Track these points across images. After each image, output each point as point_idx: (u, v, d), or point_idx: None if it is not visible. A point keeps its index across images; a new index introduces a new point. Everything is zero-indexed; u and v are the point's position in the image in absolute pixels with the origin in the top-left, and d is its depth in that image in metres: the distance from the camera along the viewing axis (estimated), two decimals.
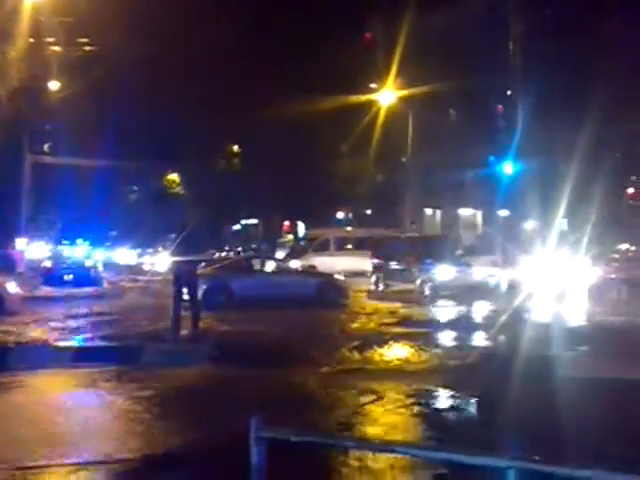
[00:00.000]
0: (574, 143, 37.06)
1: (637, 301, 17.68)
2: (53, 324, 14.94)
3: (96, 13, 28.90)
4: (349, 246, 34.73)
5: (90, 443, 6.92)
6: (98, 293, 23.68)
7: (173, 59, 34.70)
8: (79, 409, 8.71)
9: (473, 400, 8.49)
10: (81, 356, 11.32)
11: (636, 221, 38.62)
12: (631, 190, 42.02)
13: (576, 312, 17.11)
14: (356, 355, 11.57)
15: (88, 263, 29.92)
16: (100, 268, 31.59)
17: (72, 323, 15.18)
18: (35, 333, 13.56)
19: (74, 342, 12.72)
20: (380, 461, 6.03)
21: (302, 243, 35.80)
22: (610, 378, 8.99)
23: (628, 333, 13.04)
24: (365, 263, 30.37)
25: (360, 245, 33.97)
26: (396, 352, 11.94)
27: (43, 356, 11.19)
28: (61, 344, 12.35)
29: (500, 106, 37.70)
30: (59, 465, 6.21)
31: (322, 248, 33.25)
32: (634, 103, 34.35)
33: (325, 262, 30.25)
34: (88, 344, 12.60)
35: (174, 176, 51.60)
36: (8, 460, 6.20)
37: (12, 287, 17.48)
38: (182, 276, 13.16)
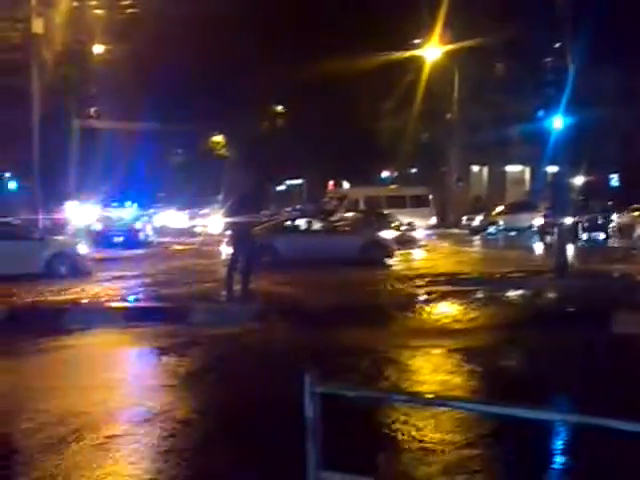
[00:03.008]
0: (625, 96, 36.17)
1: None
2: (119, 283, 15.40)
3: None
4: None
5: (142, 399, 7.11)
6: (148, 255, 24.01)
7: (216, 21, 34.52)
8: (134, 365, 8.96)
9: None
10: (133, 315, 11.63)
11: None
12: None
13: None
14: (407, 314, 11.60)
15: (137, 225, 30.31)
16: (149, 230, 31.98)
17: (131, 284, 15.54)
18: (101, 293, 14.00)
19: (127, 303, 13.00)
20: (434, 417, 6.09)
21: (333, 202, 35.67)
22: None
23: None
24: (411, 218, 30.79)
25: (393, 204, 33.84)
26: (444, 310, 11.95)
27: (99, 316, 11.56)
28: (114, 304, 12.66)
29: (547, 59, 36.79)
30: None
31: (352, 208, 32.81)
32: None
33: None
34: (141, 304, 12.88)
35: (219, 138, 51.81)
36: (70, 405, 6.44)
37: (83, 249, 18.11)
38: (237, 237, 13.34)
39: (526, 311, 11.50)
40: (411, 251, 24.21)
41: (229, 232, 14.48)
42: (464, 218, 38.34)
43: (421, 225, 32.22)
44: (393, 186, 41.13)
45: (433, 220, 36.24)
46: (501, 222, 35.45)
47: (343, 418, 4.74)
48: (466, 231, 35.91)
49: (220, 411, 6.78)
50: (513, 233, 33.73)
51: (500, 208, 37.22)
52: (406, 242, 24.92)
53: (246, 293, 12.82)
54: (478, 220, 36.15)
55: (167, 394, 7.32)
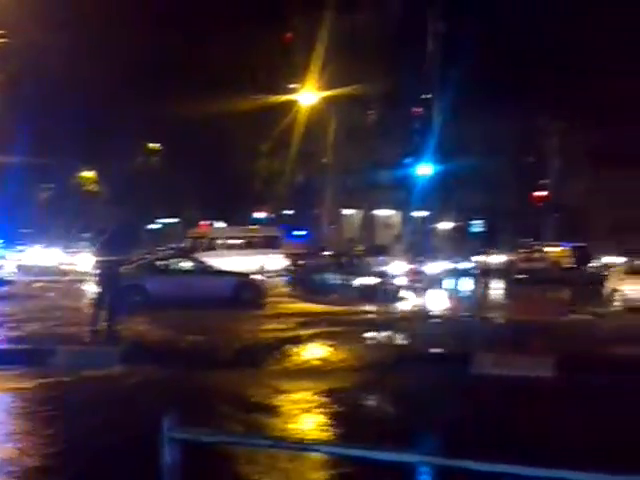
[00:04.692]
0: (489, 146, 38.10)
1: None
2: None
3: (10, 6, 28.06)
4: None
5: None
6: (9, 294, 22.90)
7: (90, 55, 33.97)
8: None
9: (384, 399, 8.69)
10: None
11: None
12: (538, 193, 43.10)
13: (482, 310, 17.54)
14: (272, 354, 11.63)
15: None
16: (12, 268, 30.60)
17: None
18: None
19: None
20: (295, 460, 6.12)
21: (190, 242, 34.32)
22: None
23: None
24: (260, 261, 30.26)
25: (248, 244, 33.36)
26: (314, 351, 12.08)
27: None
28: None
29: (416, 109, 38.37)
30: None
31: (210, 248, 31.95)
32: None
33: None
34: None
35: (90, 174, 50.47)
36: None
37: None
38: (104, 277, 13.00)
39: (391, 352, 11.80)
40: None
41: (97, 271, 14.06)
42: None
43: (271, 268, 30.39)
44: (255, 227, 39.82)
45: (283, 262, 32.55)
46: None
47: (207, 466, 4.70)
48: None
49: (75, 458, 6.54)
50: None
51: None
52: None
53: (112, 335, 12.48)
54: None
55: (20, 440, 6.99)
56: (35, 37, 30.58)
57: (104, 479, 5.95)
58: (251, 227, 38.98)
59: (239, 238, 34.30)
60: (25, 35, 30.95)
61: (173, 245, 36.87)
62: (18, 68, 31.39)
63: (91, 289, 16.99)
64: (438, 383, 9.46)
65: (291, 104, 37.95)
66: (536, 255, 29.33)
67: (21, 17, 29.21)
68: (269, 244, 34.05)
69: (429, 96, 37.71)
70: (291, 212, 47.15)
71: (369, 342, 13.12)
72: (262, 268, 28.85)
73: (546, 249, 30.85)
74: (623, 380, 9.31)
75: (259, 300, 19.53)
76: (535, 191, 41.17)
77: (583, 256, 30.71)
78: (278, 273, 30.20)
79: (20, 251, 42.28)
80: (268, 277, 26.79)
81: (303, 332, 13.89)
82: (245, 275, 21.41)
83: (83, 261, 30.99)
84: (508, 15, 33.11)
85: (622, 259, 23.14)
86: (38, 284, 27.66)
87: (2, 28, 31.60)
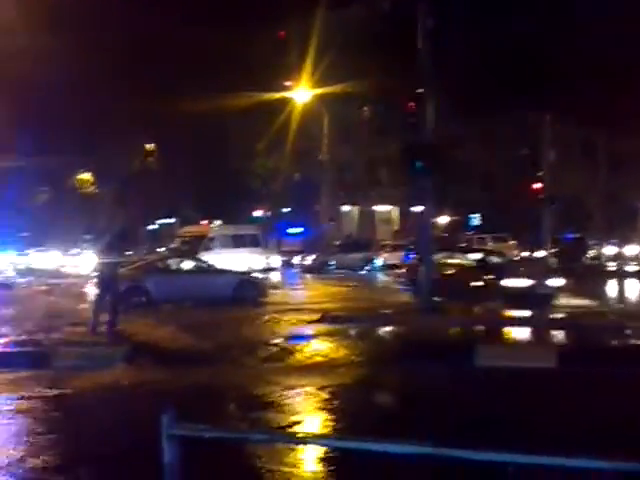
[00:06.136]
0: (485, 141, 38.17)
1: None
2: None
3: (8, 7, 28.06)
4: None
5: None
6: (10, 297, 22.90)
7: (88, 55, 33.98)
8: None
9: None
10: None
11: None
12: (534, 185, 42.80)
13: None
14: (275, 351, 11.65)
15: None
16: (11, 272, 30.62)
17: None
18: None
19: None
20: (298, 454, 6.13)
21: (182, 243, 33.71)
22: None
23: None
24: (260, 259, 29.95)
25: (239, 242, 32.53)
26: (316, 347, 12.09)
27: None
28: None
29: (410, 104, 38.26)
30: None
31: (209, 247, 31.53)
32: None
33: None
34: (1, 349, 12.26)
35: (86, 175, 50.48)
36: None
37: None
38: (104, 278, 13.03)
39: (395, 346, 11.81)
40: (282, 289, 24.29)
41: (97, 272, 14.10)
42: (298, 257, 37.57)
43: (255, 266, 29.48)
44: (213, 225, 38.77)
45: (263, 261, 32.21)
46: (333, 261, 35.28)
47: (211, 463, 4.71)
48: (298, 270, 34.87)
49: (79, 458, 6.55)
50: (344, 271, 32.79)
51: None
52: None
53: (112, 335, 12.49)
54: (310, 259, 35.98)
55: (24, 442, 7.01)
56: (32, 42, 30.56)
57: (108, 478, 5.95)
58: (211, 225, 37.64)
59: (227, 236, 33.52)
60: (22, 39, 30.93)
61: (172, 245, 36.66)
62: (15, 70, 31.34)
63: (91, 290, 17.02)
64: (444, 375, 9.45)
65: (286, 102, 37.99)
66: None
67: (18, 19, 29.22)
68: (250, 242, 33.09)
69: (422, 91, 37.69)
70: (289, 210, 47.19)
71: (374, 337, 13.13)
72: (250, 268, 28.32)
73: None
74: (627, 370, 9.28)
75: (260, 298, 19.57)
76: (531, 183, 41.10)
77: (580, 247, 30.66)
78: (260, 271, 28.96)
79: (20, 255, 42.27)
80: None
81: (308, 328, 13.92)
82: (246, 274, 21.44)
83: (83, 263, 30.98)
84: (501, 8, 33.15)
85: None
86: (39, 287, 27.67)
87: (0, 30, 31.60)
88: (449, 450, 3.34)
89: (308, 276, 32.48)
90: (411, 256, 25.23)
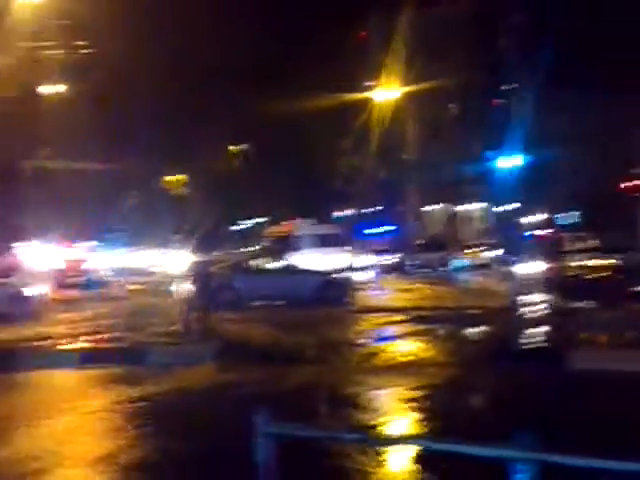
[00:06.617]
0: (583, 135, 36.90)
1: None
2: (65, 327, 15.10)
3: (95, 16, 28.93)
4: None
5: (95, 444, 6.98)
6: (105, 295, 23.68)
7: (175, 62, 34.74)
8: (86, 408, 8.77)
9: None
10: (89, 358, 11.42)
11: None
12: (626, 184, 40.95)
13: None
14: (364, 351, 11.59)
15: (94, 265, 29.98)
16: (107, 270, 31.59)
17: (87, 324, 15.30)
18: (51, 335, 13.72)
19: (82, 344, 12.78)
20: (387, 454, 6.07)
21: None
22: None
23: None
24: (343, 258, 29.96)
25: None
26: (403, 347, 11.98)
27: (53, 358, 11.32)
28: (69, 347, 12.43)
29: (497, 100, 37.61)
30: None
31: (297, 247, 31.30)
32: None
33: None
34: (96, 345, 12.67)
35: (177, 177, 51.64)
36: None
37: (35, 290, 17.89)
38: (198, 276, 13.33)
39: (484, 348, 11.55)
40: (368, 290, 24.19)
41: (190, 271, 14.43)
42: (382, 257, 36.93)
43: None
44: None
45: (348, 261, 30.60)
46: (416, 261, 35.02)
47: (302, 462, 4.70)
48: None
49: (174, 454, 6.66)
50: (425, 270, 32.45)
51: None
52: None
53: (204, 332, 12.71)
54: (394, 259, 35.70)
55: (117, 437, 7.18)
56: (118, 46, 31.42)
57: (200, 476, 6.02)
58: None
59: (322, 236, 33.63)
60: (109, 45, 31.86)
61: (263, 244, 36.91)
62: (102, 77, 32.33)
63: (182, 289, 17.38)
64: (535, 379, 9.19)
65: (369, 102, 37.89)
66: None
67: (105, 28, 30.10)
68: (334, 242, 32.42)
69: (510, 87, 37.03)
70: (374, 209, 47.03)
71: (461, 338, 12.89)
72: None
73: None
74: None
75: (345, 298, 19.57)
76: (626, 181, 39.62)
77: None
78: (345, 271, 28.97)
79: (115, 253, 43.58)
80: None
81: (393, 328, 13.83)
82: (331, 274, 21.50)
83: (173, 262, 31.60)
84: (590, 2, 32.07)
85: None
86: (131, 285, 28.48)
87: (85, 39, 32.69)
88: (549, 455, 3.23)
89: (391, 276, 32.32)
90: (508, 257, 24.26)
